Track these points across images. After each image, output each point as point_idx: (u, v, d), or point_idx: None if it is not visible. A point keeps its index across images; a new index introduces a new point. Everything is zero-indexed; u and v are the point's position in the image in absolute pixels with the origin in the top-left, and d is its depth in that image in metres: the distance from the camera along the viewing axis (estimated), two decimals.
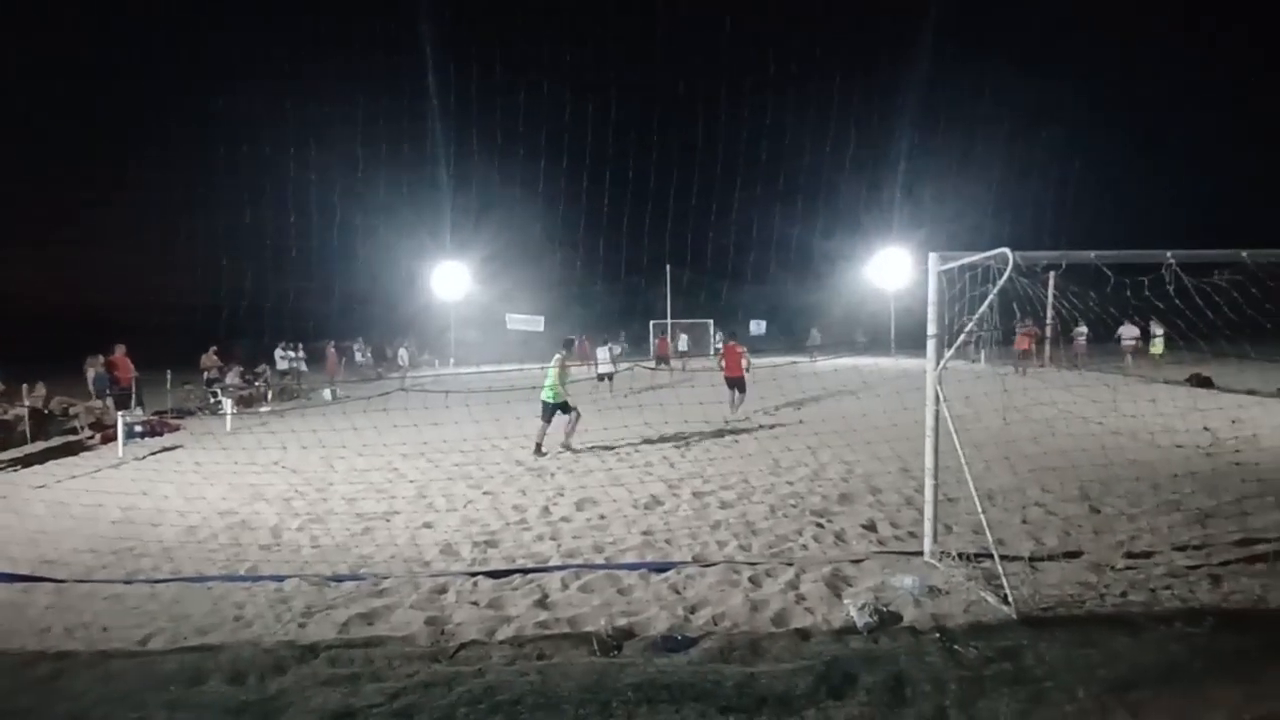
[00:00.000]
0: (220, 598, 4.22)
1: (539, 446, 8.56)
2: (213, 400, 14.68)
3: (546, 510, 6.06)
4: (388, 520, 5.90)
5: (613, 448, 8.94)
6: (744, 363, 11.46)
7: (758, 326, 35.36)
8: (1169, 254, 3.86)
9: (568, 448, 8.70)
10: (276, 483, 7.35)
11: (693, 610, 3.84)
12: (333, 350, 21.36)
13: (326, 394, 17.42)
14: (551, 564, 4.64)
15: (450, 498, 6.57)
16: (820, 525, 5.42)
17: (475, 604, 4.00)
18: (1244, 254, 3.95)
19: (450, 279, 32.34)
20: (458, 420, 8.73)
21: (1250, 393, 13.00)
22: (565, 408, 8.77)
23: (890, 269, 30.28)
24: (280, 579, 4.48)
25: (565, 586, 4.21)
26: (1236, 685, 2.88)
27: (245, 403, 15.21)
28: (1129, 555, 4.56)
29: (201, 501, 6.46)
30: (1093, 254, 3.90)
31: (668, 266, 34.39)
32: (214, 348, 16.65)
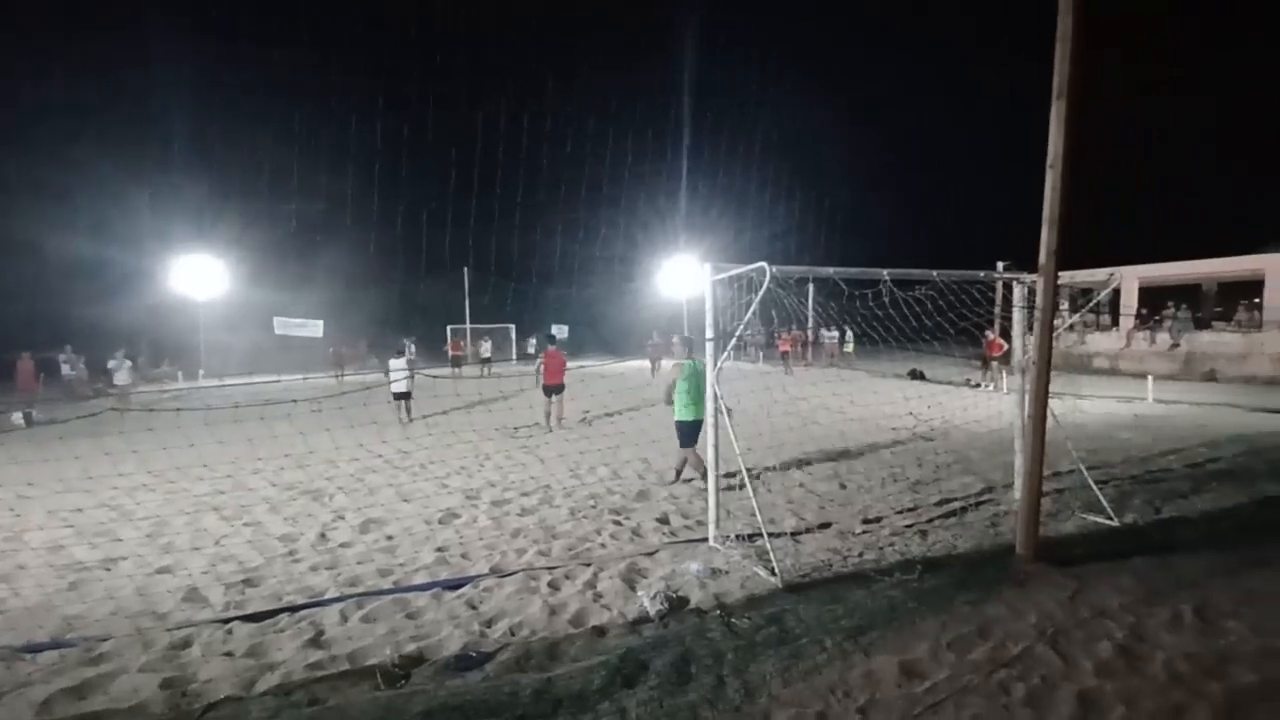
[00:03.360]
0: None
1: (679, 474, 6.90)
2: None
3: (323, 537, 5.41)
4: (107, 569, 4.80)
5: (402, 464, 8.33)
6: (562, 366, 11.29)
7: (559, 330, 35.77)
8: (885, 272, 4.71)
9: (685, 478, 6.92)
10: None
11: (489, 624, 3.72)
12: (27, 362, 16.86)
13: (16, 417, 13.68)
14: (328, 596, 4.15)
15: (196, 534, 5.55)
16: (618, 523, 5.62)
17: (229, 655, 3.43)
18: (934, 274, 4.97)
19: (200, 275, 27.52)
20: (195, 443, 7.33)
21: (947, 383, 16.53)
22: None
23: (680, 277, 32.61)
24: None
25: (344, 619, 3.80)
26: (937, 617, 3.60)
27: None
28: (865, 521, 5.47)
29: None
30: (831, 270, 4.61)
31: (465, 269, 33.26)
32: None
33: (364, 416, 11.31)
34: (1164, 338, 20.08)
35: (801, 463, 7.54)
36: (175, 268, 27.34)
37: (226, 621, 3.81)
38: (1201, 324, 20.55)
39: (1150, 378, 14.59)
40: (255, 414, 8.49)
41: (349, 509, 6.21)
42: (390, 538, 5.35)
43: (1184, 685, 2.90)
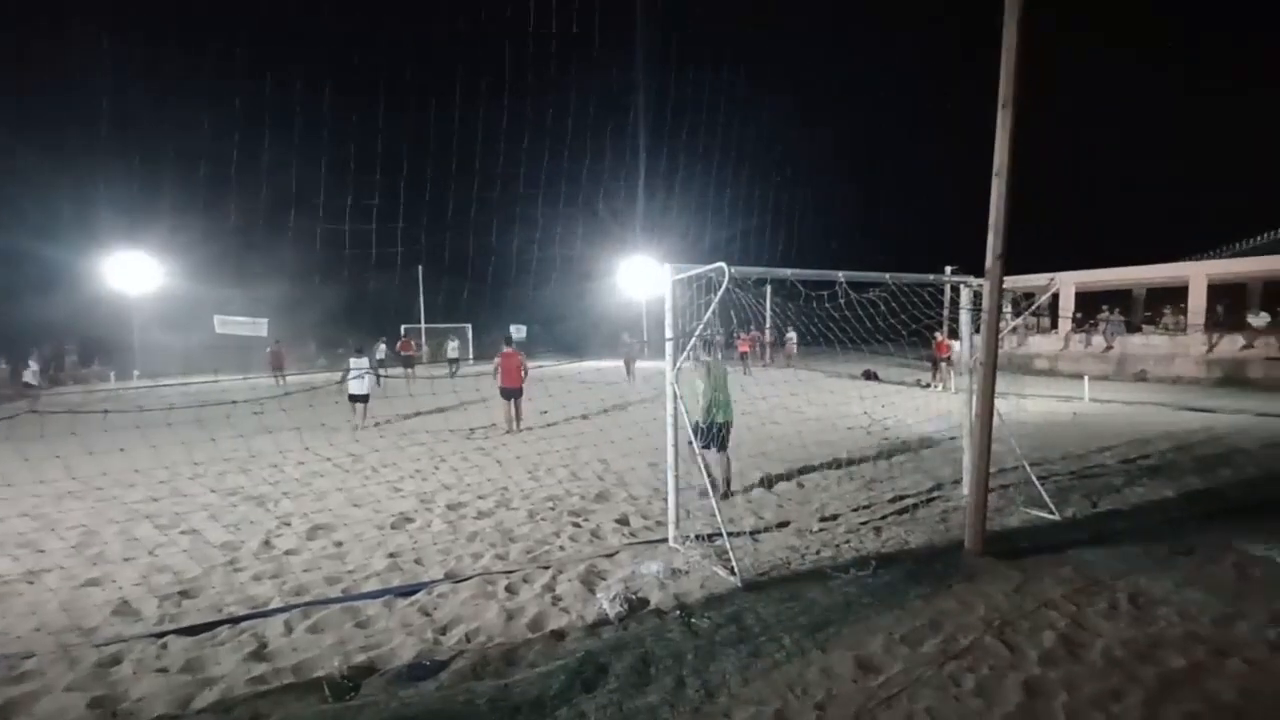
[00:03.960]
0: None
1: (728, 484, 6.35)
2: None
3: (267, 544, 5.18)
4: (29, 582, 4.48)
5: (352, 468, 8.07)
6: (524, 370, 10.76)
7: (518, 331, 35.35)
8: (840, 274, 4.80)
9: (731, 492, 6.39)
10: None
11: (444, 631, 3.62)
12: None
13: None
14: (272, 607, 3.97)
15: (128, 544, 5.24)
16: (578, 525, 5.56)
17: (164, 671, 3.24)
18: (887, 276, 5.09)
19: (134, 271, 26.13)
20: (126, 447, 6.89)
21: (899, 383, 17.01)
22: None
23: (639, 277, 32.59)
24: None
25: (289, 630, 3.64)
26: (890, 611, 3.67)
27: None
28: (822, 519, 5.56)
29: None
30: (789, 271, 4.67)
31: (419, 267, 32.56)
32: None
33: (310, 418, 10.91)
34: (1099, 340, 21.15)
35: (760, 461, 7.62)
36: (109, 262, 25.93)
37: (161, 636, 3.60)
38: (1132, 328, 21.74)
39: (1086, 378, 15.34)
40: (192, 416, 8.06)
41: (295, 515, 5.97)
42: (339, 544, 5.16)
43: (1121, 670, 3.03)
